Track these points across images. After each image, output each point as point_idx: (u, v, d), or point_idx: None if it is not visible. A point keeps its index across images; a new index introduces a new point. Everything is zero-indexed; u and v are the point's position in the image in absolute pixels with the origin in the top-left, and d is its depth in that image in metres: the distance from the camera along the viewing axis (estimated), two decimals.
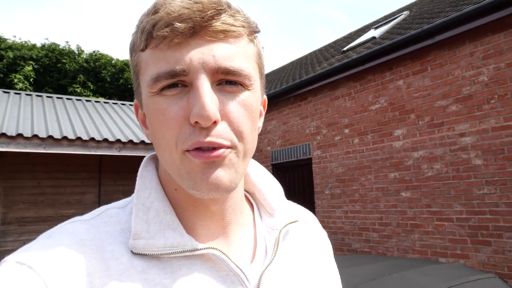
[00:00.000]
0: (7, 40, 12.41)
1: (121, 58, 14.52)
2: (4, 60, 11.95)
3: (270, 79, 10.16)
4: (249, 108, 0.48)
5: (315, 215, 5.16)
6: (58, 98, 7.77)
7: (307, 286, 0.57)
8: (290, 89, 6.88)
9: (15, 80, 11.35)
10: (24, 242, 5.94)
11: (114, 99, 13.62)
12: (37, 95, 7.57)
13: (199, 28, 0.44)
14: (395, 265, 2.18)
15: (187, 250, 0.48)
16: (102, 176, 6.72)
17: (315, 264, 0.61)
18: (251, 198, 0.63)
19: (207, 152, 0.44)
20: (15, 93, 7.42)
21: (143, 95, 0.49)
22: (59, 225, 0.50)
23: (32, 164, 6.19)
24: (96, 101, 8.19)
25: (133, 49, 0.50)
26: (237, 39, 0.47)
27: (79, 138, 5.32)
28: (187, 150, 0.45)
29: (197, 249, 0.48)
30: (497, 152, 4.12)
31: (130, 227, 0.49)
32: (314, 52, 10.30)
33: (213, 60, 0.44)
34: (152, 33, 0.45)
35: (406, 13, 7.03)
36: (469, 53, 4.46)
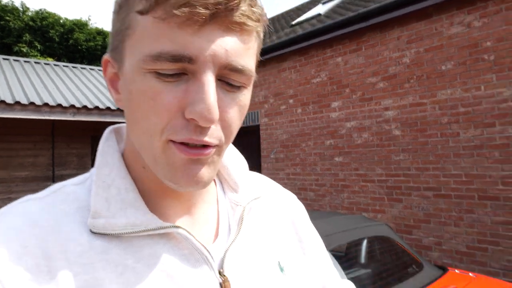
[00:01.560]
0: None
1: (70, 18, 13.92)
2: None
3: None
4: (243, 108, 0.46)
5: None
6: (4, 59, 7.57)
7: (271, 262, 0.55)
8: None
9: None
10: None
11: (63, 60, 13.16)
12: None
13: (219, 16, 0.39)
14: (313, 217, 2.78)
15: (150, 229, 0.46)
16: (56, 139, 6.84)
17: (280, 238, 0.60)
18: None
19: (194, 149, 0.42)
20: None
21: (126, 62, 0.43)
22: (9, 205, 0.46)
23: None
24: (45, 63, 8.05)
25: (125, 3, 0.43)
26: (250, 34, 0.43)
27: (32, 103, 5.43)
28: (173, 141, 0.42)
29: (161, 228, 0.46)
30: (412, 125, 4.87)
31: (89, 205, 0.46)
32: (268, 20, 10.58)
33: (225, 55, 0.41)
34: (165, 3, 0.39)
35: None
36: (396, 37, 5.07)
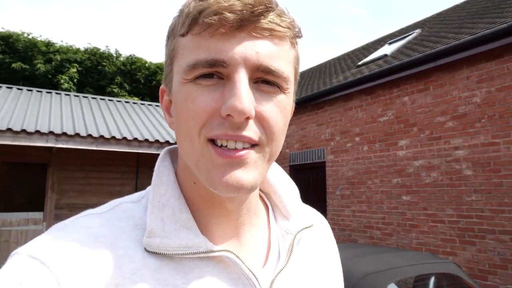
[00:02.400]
0: (55, 44, 13.76)
1: (154, 62, 15.76)
2: (53, 63, 13.25)
3: None
4: (283, 111, 0.47)
5: (327, 213, 6.08)
6: (101, 99, 8.76)
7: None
8: (308, 98, 7.61)
9: (62, 81, 12.64)
10: None
11: (146, 99, 14.70)
12: (84, 96, 8.57)
13: (247, 22, 0.43)
14: (378, 251, 2.91)
15: (201, 252, 0.47)
16: (140, 170, 7.63)
17: (325, 270, 0.61)
18: (266, 198, 0.62)
19: (232, 151, 0.43)
20: (65, 94, 8.44)
21: (174, 81, 0.47)
22: (73, 218, 0.49)
23: (81, 158, 7.15)
24: (134, 103, 9.15)
25: (172, 33, 0.48)
26: (281, 40, 0.46)
27: (124, 138, 6.23)
28: (211, 140, 0.44)
29: (211, 251, 0.47)
30: (485, 164, 4.77)
31: (144, 223, 0.49)
32: (333, 60, 10.96)
33: (256, 57, 0.43)
34: (198, 19, 0.43)
35: (418, 31, 7.64)
36: (465, 77, 5.10)
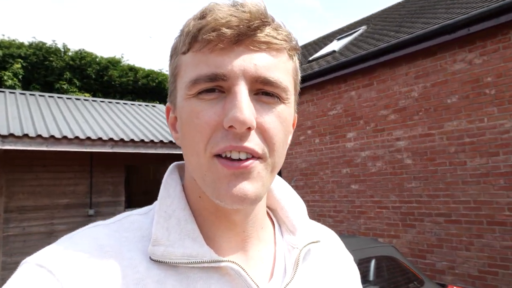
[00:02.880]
0: None
1: (105, 56, 15.20)
2: None
3: None
4: (283, 121, 0.48)
5: None
6: (49, 96, 8.42)
7: None
8: None
9: (5, 77, 11.92)
10: (24, 228, 6.69)
11: (98, 95, 14.22)
12: (30, 94, 8.21)
13: (244, 36, 0.45)
14: None
15: (205, 261, 0.47)
16: (94, 169, 7.48)
17: (334, 284, 0.59)
18: (272, 214, 0.62)
19: (236, 162, 0.44)
20: (10, 92, 8.04)
21: (178, 98, 0.49)
22: (81, 228, 0.50)
23: (30, 159, 6.90)
24: (85, 99, 8.89)
25: (174, 52, 0.51)
26: (278, 53, 0.48)
27: (76, 138, 6.09)
28: (217, 156, 0.45)
29: (216, 261, 0.47)
30: (422, 154, 5.21)
31: (151, 234, 0.49)
32: None
33: (254, 69, 0.45)
34: (197, 36, 0.45)
35: (364, 28, 8.05)
36: (404, 73, 5.51)
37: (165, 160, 7.77)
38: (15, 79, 12.31)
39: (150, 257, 0.47)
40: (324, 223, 6.48)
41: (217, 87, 0.45)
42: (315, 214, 6.69)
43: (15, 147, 5.60)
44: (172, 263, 0.47)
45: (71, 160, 7.19)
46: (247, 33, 0.45)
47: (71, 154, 6.85)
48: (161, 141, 6.96)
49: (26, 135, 5.67)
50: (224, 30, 0.44)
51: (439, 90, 5.06)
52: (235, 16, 0.45)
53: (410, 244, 5.28)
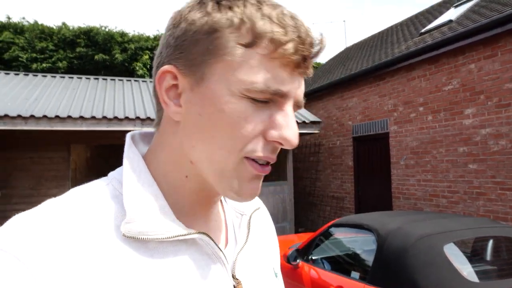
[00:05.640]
0: (128, 34, 14.93)
1: None
2: (128, 52, 14.43)
3: (353, 55, 10.86)
4: None
5: (391, 183, 6.35)
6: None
7: (269, 268, 0.64)
8: (370, 70, 7.66)
9: (137, 68, 13.84)
10: None
11: None
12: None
13: (308, 60, 0.47)
14: (438, 216, 3.19)
15: (178, 235, 0.49)
16: None
17: (270, 244, 0.69)
18: None
19: (263, 166, 0.49)
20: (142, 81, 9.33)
21: (214, 82, 0.47)
22: (42, 205, 0.47)
23: None
24: None
25: (217, 28, 0.46)
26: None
27: None
28: (246, 157, 0.48)
29: (187, 234, 0.50)
30: None
31: (116, 211, 0.49)
32: (396, 26, 10.64)
33: (300, 93, 0.50)
34: (280, 42, 0.45)
35: None
36: None
37: None
38: (144, 69, 14.12)
39: (123, 234, 0.46)
40: (437, 203, 6.27)
41: (269, 99, 0.47)
42: (427, 193, 6.48)
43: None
44: (144, 239, 0.47)
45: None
46: (311, 56, 0.48)
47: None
48: None
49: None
50: (306, 51, 0.46)
51: None
52: (311, 37, 0.47)
53: None
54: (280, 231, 7.87)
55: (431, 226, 2.77)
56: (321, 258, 3.38)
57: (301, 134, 8.02)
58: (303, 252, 3.38)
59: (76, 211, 0.47)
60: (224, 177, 0.49)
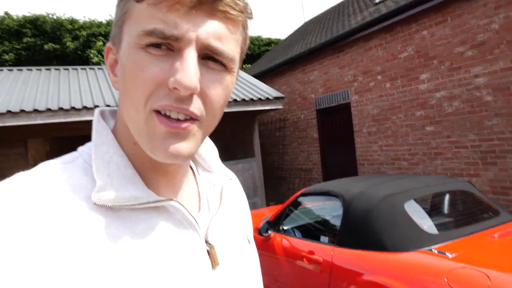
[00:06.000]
0: (79, 21, 14.11)
1: None
2: (80, 39, 13.69)
3: (311, 29, 10.91)
4: (225, 89, 0.50)
5: (355, 151, 6.56)
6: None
7: (242, 235, 0.67)
8: (328, 43, 7.75)
9: (91, 55, 13.22)
10: None
11: None
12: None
13: (206, 3, 0.46)
14: (398, 178, 3.34)
15: (150, 202, 0.50)
16: None
17: (242, 214, 0.72)
18: None
19: (174, 122, 0.46)
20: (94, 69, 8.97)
21: (123, 44, 0.49)
22: (11, 178, 0.47)
23: None
24: None
25: None
26: (232, 23, 0.49)
27: None
28: (156, 111, 0.46)
29: (159, 201, 0.51)
30: (504, 89, 4.95)
31: (86, 182, 0.49)
32: None
33: (206, 36, 0.46)
34: None
35: None
36: (483, 4, 5.13)
37: (239, 117, 8.23)
38: (99, 56, 13.55)
39: (94, 202, 0.47)
40: (399, 166, 6.56)
41: (167, 44, 0.46)
42: (389, 158, 6.76)
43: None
44: (116, 206, 0.48)
45: None
46: (208, 1, 0.46)
47: None
48: (235, 100, 7.37)
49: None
50: None
51: None
52: None
53: (492, 182, 5.19)
54: (251, 207, 7.98)
55: (392, 187, 2.92)
56: (292, 228, 3.49)
57: (265, 111, 8.07)
58: (274, 224, 3.47)
59: (46, 182, 0.47)
60: (141, 136, 0.48)
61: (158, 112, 0.46)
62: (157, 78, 0.45)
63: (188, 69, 0.44)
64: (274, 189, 10.34)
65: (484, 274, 1.97)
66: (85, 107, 6.24)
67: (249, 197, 7.97)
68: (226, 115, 8.20)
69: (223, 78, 0.50)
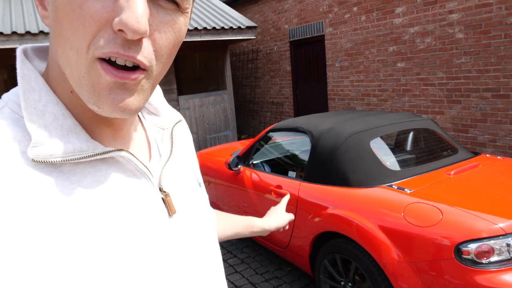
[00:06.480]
0: None
1: None
2: None
3: None
4: (177, 32, 0.44)
5: (327, 85, 6.59)
6: None
7: (193, 179, 0.65)
8: None
9: None
10: None
11: None
12: None
13: None
14: (365, 114, 3.41)
15: (97, 154, 0.45)
16: None
17: (191, 156, 0.69)
18: None
19: (121, 72, 0.40)
20: None
21: None
22: None
23: None
24: None
25: None
26: None
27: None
28: (100, 59, 0.40)
29: (106, 152, 0.46)
30: (476, 26, 4.95)
31: (17, 135, 0.43)
32: None
33: None
34: None
35: None
36: None
37: (210, 47, 7.92)
38: None
39: (32, 159, 0.41)
40: (368, 102, 6.66)
41: None
42: (360, 93, 6.83)
43: None
44: (57, 161, 0.42)
45: None
46: None
47: None
48: (205, 28, 7.03)
49: None
50: None
51: None
52: None
53: (454, 119, 5.41)
54: (223, 140, 8.05)
55: (360, 124, 2.98)
56: (261, 162, 3.56)
57: (237, 41, 7.77)
58: (244, 158, 3.52)
59: None
60: (82, 87, 0.41)
61: (102, 59, 0.40)
62: (99, 17, 0.38)
63: (136, 7, 0.37)
64: (246, 122, 10.38)
65: (437, 209, 2.12)
66: (42, 32, 5.77)
67: (220, 130, 7.98)
68: (196, 45, 7.86)
69: (176, 20, 0.43)
